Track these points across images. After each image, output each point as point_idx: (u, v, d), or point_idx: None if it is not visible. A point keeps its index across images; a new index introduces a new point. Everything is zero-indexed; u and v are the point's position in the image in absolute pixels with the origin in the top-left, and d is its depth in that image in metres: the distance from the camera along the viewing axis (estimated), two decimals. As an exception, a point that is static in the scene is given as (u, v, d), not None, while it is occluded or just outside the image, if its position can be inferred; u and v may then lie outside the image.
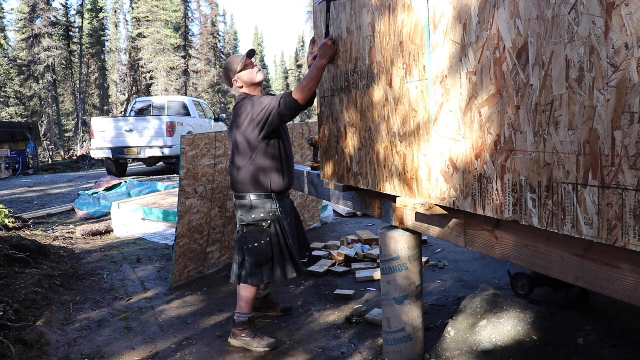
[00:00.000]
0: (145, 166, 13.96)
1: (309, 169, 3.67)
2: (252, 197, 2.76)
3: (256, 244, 2.74)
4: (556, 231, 1.35)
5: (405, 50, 2.02)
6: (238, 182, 2.79)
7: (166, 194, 6.39)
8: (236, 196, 2.84)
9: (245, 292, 2.82)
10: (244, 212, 2.79)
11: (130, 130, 11.42)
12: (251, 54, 2.91)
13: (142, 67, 33.73)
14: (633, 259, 1.21)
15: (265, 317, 3.20)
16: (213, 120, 13.94)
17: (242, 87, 2.86)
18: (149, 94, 33.70)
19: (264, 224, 2.75)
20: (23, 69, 29.07)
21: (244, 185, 2.77)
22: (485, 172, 1.61)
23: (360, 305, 3.33)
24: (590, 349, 2.41)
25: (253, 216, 2.75)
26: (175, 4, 35.76)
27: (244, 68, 2.83)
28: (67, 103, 33.28)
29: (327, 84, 2.84)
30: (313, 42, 3.03)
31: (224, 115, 15.06)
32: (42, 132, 26.37)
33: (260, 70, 2.92)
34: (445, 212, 1.92)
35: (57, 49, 28.66)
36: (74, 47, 31.55)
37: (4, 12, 31.70)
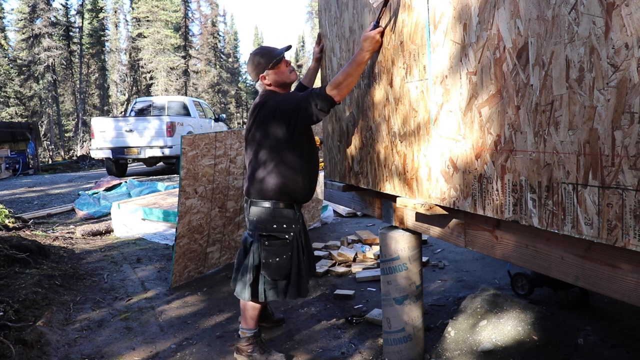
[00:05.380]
0: (145, 166, 13.96)
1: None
2: (274, 205, 2.43)
3: (277, 259, 2.42)
4: (556, 231, 1.35)
5: (405, 49, 2.02)
6: (257, 186, 2.44)
7: (166, 194, 6.39)
8: (252, 202, 2.48)
9: (253, 308, 2.57)
10: (263, 221, 2.44)
11: (131, 130, 11.43)
12: (288, 49, 2.55)
13: (142, 67, 33.75)
14: (633, 259, 1.21)
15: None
16: (213, 120, 13.95)
17: (269, 85, 2.50)
18: (149, 94, 33.72)
19: (287, 237, 2.44)
20: (23, 69, 29.08)
21: (265, 190, 2.42)
22: (485, 172, 1.61)
23: (360, 305, 3.33)
24: (590, 349, 2.41)
25: (275, 226, 2.42)
26: (175, 4, 35.79)
27: (277, 65, 2.48)
28: (67, 103, 33.29)
29: (329, 83, 2.84)
30: (319, 40, 3.03)
31: (224, 115, 15.08)
32: (42, 132, 26.37)
33: (293, 70, 2.55)
34: (445, 212, 1.92)
35: (57, 49, 28.68)
36: (74, 47, 31.57)
37: (4, 12, 31.71)
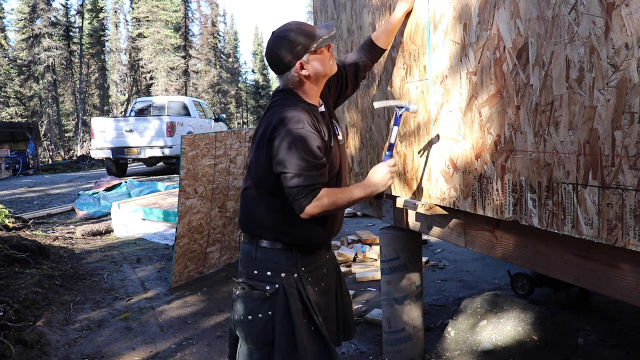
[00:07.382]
0: (145, 166, 13.96)
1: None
2: (261, 243, 1.68)
3: (250, 317, 1.64)
4: (556, 231, 1.34)
5: (405, 50, 2.02)
6: (244, 217, 1.73)
7: (166, 194, 6.39)
8: (242, 235, 1.79)
9: None
10: (244, 263, 1.72)
11: (131, 130, 11.43)
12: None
13: (142, 67, 33.75)
14: (633, 259, 1.21)
15: None
16: (213, 120, 13.96)
17: (307, 78, 1.63)
18: (149, 94, 33.71)
19: (267, 287, 1.63)
20: (23, 69, 29.08)
21: (251, 223, 1.71)
22: (485, 172, 1.60)
23: (360, 305, 3.33)
24: (590, 349, 2.41)
25: (256, 272, 1.66)
26: (175, 4, 35.79)
27: (321, 50, 1.63)
28: (67, 103, 33.28)
29: (327, 84, 2.84)
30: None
31: (224, 115, 15.09)
32: (42, 132, 26.35)
33: (335, 58, 1.74)
34: (445, 212, 1.92)
35: (57, 49, 28.67)
36: (74, 47, 31.56)
37: (4, 12, 31.72)
